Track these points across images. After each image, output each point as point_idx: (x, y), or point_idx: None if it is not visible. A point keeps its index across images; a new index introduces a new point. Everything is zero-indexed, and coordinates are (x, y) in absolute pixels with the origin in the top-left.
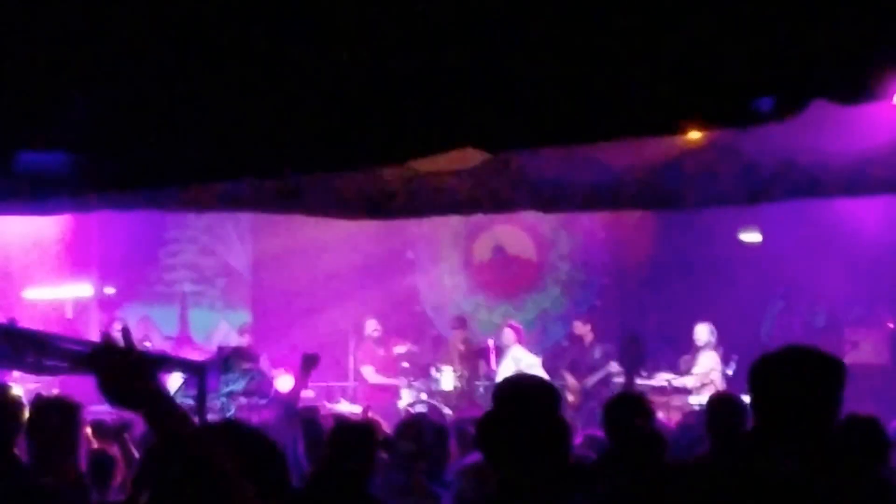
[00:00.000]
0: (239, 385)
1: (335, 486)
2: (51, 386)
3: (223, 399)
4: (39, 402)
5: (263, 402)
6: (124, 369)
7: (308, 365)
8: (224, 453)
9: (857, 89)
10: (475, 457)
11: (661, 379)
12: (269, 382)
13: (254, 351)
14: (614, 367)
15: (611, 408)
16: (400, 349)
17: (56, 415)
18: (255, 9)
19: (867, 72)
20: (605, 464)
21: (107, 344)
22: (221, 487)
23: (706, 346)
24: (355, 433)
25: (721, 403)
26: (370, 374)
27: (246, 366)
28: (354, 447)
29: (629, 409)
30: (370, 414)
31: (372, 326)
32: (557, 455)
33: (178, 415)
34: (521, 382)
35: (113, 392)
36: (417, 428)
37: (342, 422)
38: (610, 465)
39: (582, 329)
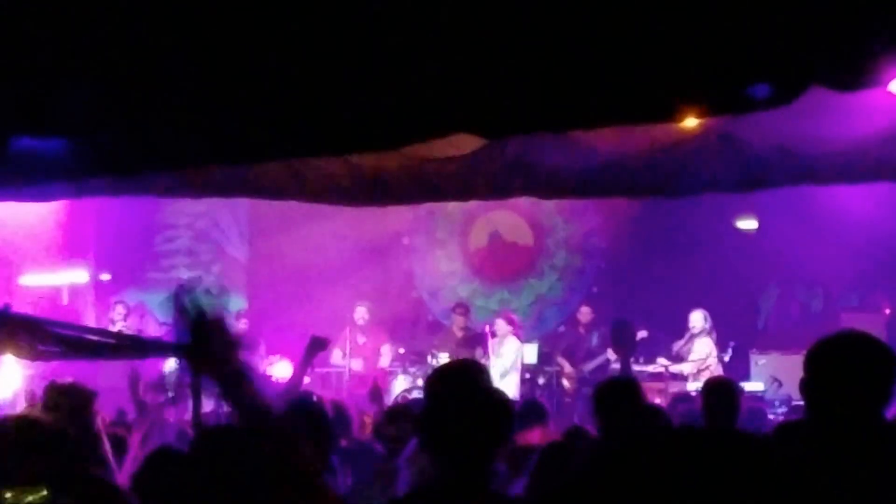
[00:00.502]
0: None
1: None
2: (46, 371)
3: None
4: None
5: None
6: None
7: (315, 348)
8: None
9: (853, 76)
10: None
11: (658, 365)
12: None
13: (249, 337)
14: (612, 353)
15: (601, 393)
16: (385, 349)
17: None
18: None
19: (863, 58)
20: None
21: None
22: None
23: (701, 332)
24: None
25: (717, 387)
26: (357, 364)
27: None
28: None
29: (619, 394)
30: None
31: (360, 314)
32: (494, 434)
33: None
34: (443, 368)
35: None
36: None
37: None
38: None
39: (587, 315)
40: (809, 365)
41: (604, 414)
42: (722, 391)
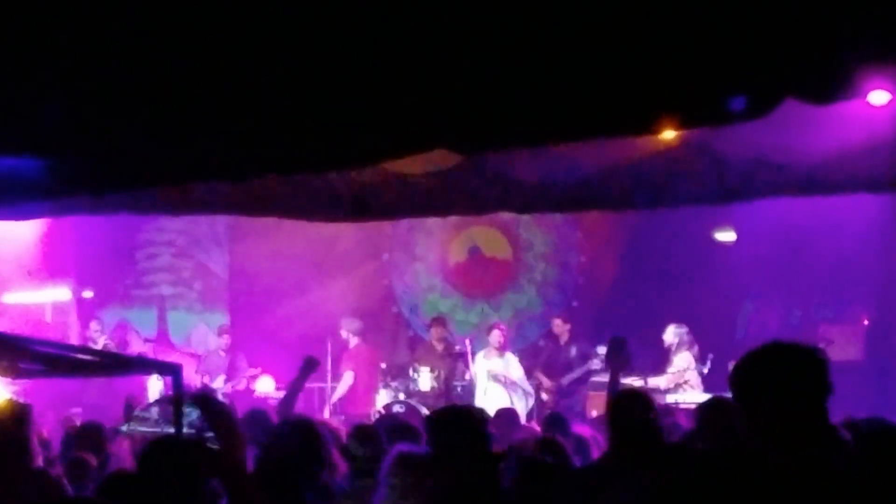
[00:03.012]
0: (197, 425)
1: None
2: (28, 389)
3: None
4: None
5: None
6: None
7: (308, 368)
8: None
9: (828, 88)
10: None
11: (637, 378)
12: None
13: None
14: (595, 364)
15: (616, 403)
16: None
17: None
18: (230, 12)
19: (838, 71)
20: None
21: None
22: None
23: (679, 346)
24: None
25: (716, 405)
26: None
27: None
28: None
29: (634, 404)
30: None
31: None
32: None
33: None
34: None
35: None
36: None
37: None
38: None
39: (561, 328)
40: (733, 381)
41: (617, 423)
42: (721, 409)
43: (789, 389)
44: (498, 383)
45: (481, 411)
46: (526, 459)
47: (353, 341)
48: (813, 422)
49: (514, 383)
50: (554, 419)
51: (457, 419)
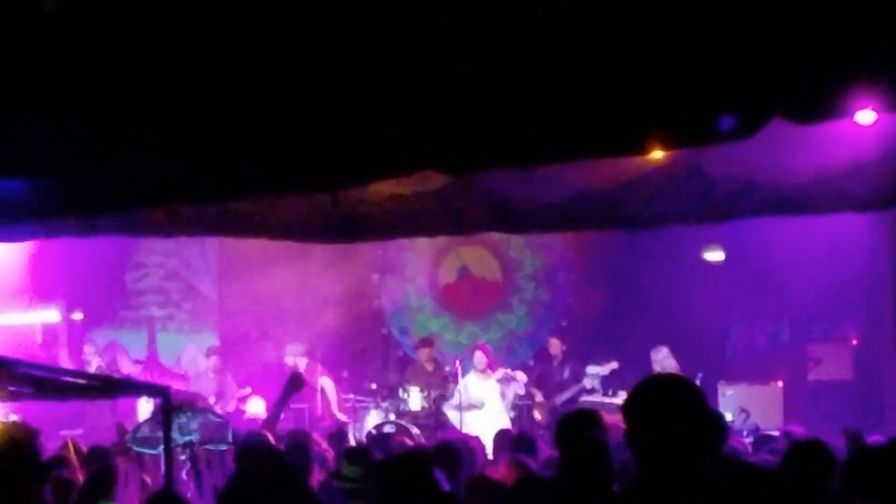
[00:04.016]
0: (193, 433)
1: None
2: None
3: (182, 449)
4: None
5: (224, 447)
6: None
7: (293, 386)
8: None
9: (814, 108)
10: None
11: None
12: (226, 425)
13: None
14: (587, 384)
15: (562, 422)
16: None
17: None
18: (217, 35)
19: (823, 91)
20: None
21: None
22: None
23: (666, 367)
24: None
25: None
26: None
27: (199, 405)
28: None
29: (581, 422)
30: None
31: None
32: None
33: None
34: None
35: None
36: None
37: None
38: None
39: (557, 347)
40: (623, 415)
41: (563, 444)
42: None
43: (664, 422)
44: (474, 409)
45: (423, 457)
46: None
47: (302, 363)
48: (691, 453)
49: (495, 404)
50: (522, 440)
51: (399, 470)
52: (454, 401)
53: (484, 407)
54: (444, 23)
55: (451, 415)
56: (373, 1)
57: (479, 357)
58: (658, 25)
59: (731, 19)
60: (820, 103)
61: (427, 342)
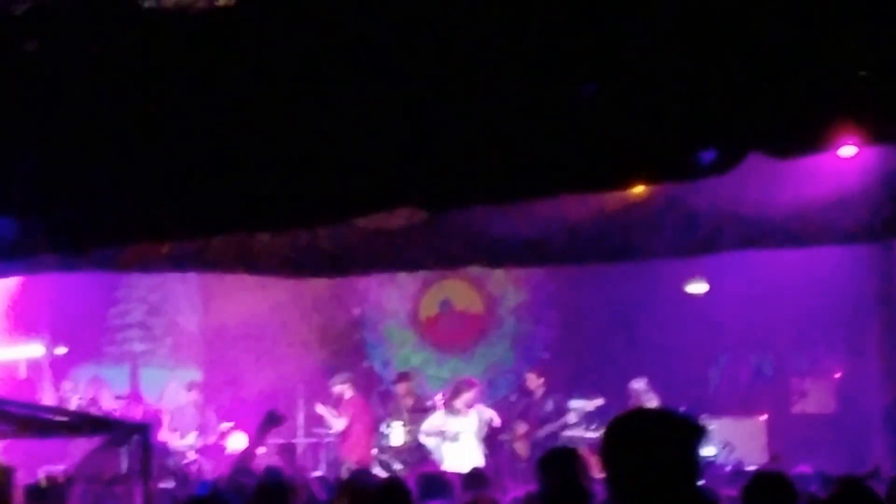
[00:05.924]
0: None
1: None
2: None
3: None
4: None
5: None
6: None
7: (271, 422)
8: None
9: (792, 143)
10: None
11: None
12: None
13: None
14: (571, 419)
15: (543, 460)
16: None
17: None
18: (201, 74)
19: (808, 126)
20: None
21: None
22: None
23: (646, 400)
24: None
25: None
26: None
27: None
28: None
29: (562, 462)
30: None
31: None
32: None
33: None
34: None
35: None
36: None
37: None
38: None
39: (535, 382)
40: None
41: (543, 481)
42: None
43: (646, 459)
44: (448, 441)
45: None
46: None
47: (348, 393)
48: (671, 491)
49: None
50: (474, 478)
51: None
52: (426, 426)
53: (459, 440)
54: (421, 61)
55: (432, 444)
56: (349, 40)
57: (469, 397)
58: (637, 62)
59: (711, 56)
60: (799, 139)
61: (405, 376)
